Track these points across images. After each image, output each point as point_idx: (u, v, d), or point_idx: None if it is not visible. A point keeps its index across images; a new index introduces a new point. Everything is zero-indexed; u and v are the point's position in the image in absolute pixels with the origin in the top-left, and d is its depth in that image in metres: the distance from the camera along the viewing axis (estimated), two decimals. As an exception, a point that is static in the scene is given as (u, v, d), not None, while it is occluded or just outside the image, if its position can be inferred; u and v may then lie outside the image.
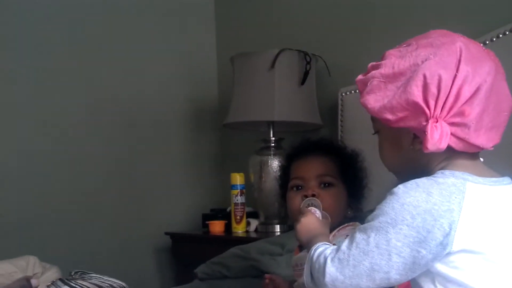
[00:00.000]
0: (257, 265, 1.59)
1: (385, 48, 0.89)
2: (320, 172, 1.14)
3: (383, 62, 0.86)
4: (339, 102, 2.06)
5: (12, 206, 2.06)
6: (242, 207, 2.17)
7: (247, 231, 2.17)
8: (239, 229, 2.16)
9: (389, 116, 0.82)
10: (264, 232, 2.12)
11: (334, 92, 2.10)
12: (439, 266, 0.77)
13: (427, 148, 0.79)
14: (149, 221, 2.43)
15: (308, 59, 2.06)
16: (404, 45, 0.86)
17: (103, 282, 1.58)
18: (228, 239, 2.09)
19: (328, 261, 0.79)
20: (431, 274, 0.78)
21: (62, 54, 2.21)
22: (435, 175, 0.81)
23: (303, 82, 2.06)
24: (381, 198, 0.80)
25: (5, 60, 2.07)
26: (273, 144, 2.16)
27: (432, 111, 0.79)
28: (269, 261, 1.59)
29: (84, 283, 1.53)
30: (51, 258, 1.82)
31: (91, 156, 2.28)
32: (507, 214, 0.80)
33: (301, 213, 1.05)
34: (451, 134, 0.79)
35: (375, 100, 0.84)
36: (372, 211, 0.80)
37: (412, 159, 0.86)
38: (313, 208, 1.06)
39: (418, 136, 0.83)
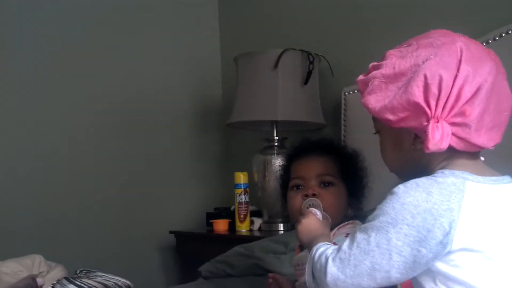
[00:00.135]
0: (261, 263, 1.60)
1: (388, 48, 0.89)
2: (320, 171, 1.15)
3: (383, 62, 0.86)
4: (342, 101, 2.06)
5: (18, 205, 2.07)
6: (246, 206, 2.18)
7: (250, 230, 2.18)
8: (242, 228, 2.16)
9: (390, 117, 0.83)
10: (268, 231, 2.12)
11: (337, 92, 2.10)
12: (440, 265, 0.77)
13: (428, 148, 0.79)
14: (154, 220, 2.44)
15: (311, 59, 2.07)
16: (405, 45, 0.86)
17: (108, 280, 1.59)
18: (232, 238, 2.10)
19: (330, 261, 0.80)
20: (432, 273, 0.79)
21: (63, 54, 2.21)
22: (435, 174, 0.81)
23: (306, 81, 2.07)
24: (383, 197, 0.81)
25: (5, 60, 2.08)
26: (276, 144, 2.16)
27: (433, 111, 0.79)
28: (273, 259, 1.59)
29: (90, 281, 1.54)
30: (57, 257, 1.84)
31: (96, 155, 2.29)
32: (507, 213, 0.80)
33: (301, 214, 1.06)
34: (452, 134, 0.80)
35: (376, 101, 0.84)
36: (372, 210, 0.81)
37: (413, 159, 0.86)
38: (313, 209, 1.06)
39: (419, 136, 0.83)
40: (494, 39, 1.60)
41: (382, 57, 0.88)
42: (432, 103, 0.79)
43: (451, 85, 0.79)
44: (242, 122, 2.19)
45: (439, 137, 0.78)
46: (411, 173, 0.84)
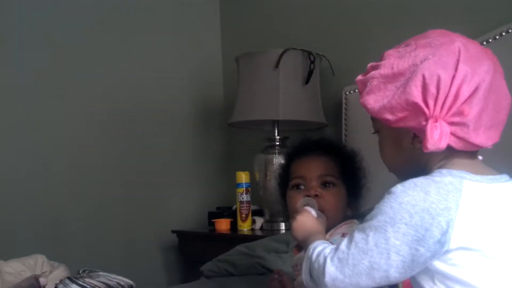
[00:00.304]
0: (262, 262, 1.60)
1: (388, 47, 0.89)
2: (321, 172, 1.15)
3: (382, 62, 0.86)
4: (343, 101, 2.06)
5: (20, 205, 2.08)
6: (248, 205, 2.18)
7: (252, 229, 2.19)
8: (244, 227, 2.17)
9: (388, 116, 0.83)
10: (270, 230, 2.13)
11: (338, 91, 2.11)
12: (438, 264, 0.78)
13: (427, 147, 0.79)
14: (156, 220, 2.44)
15: (312, 59, 2.07)
16: (403, 45, 0.87)
17: (110, 280, 1.59)
18: (234, 237, 2.10)
19: (328, 260, 0.80)
20: (430, 272, 0.79)
21: (63, 54, 2.21)
22: (433, 174, 0.82)
23: (307, 81, 2.08)
24: (381, 197, 0.81)
25: (5, 60, 2.08)
26: (278, 143, 2.17)
27: (431, 111, 0.79)
28: (275, 258, 1.60)
29: (92, 281, 1.55)
30: (59, 257, 1.84)
31: (99, 155, 2.30)
32: (504, 211, 0.80)
33: (297, 212, 1.06)
34: (451, 133, 0.80)
35: (374, 101, 0.85)
36: (370, 210, 0.81)
37: (412, 158, 0.86)
38: (308, 207, 1.07)
39: (417, 136, 0.83)
40: (494, 38, 1.61)
41: (381, 57, 0.88)
42: (431, 102, 0.79)
43: (449, 85, 0.79)
44: (243, 121, 2.20)
45: (437, 136, 0.79)
46: (409, 173, 0.85)
